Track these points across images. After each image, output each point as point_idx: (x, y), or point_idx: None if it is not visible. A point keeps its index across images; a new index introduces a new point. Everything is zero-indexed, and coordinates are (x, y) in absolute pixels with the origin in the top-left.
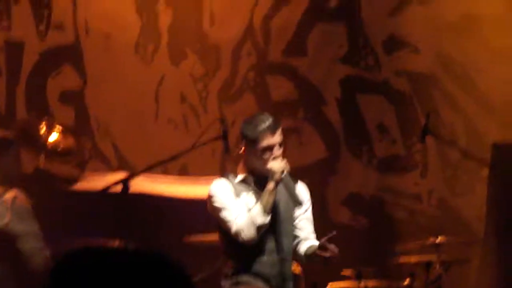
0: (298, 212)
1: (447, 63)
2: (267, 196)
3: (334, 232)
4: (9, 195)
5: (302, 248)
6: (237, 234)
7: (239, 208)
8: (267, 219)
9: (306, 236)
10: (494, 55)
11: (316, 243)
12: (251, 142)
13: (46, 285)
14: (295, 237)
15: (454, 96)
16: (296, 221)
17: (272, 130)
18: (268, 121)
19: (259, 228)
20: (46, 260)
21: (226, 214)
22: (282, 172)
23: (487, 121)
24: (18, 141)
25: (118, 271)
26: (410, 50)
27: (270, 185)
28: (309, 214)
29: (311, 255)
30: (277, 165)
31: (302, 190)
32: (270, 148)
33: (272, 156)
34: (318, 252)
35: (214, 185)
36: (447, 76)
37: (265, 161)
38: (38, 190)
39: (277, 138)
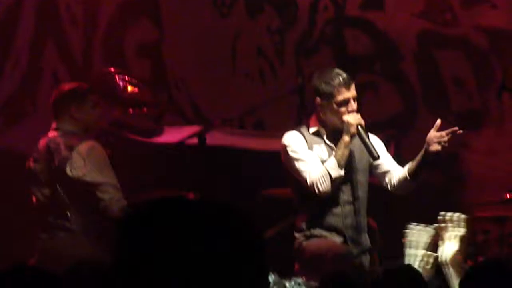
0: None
1: None
2: (342, 149)
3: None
4: (85, 145)
5: (401, 172)
6: (312, 186)
7: (314, 160)
8: (341, 172)
9: (395, 167)
10: None
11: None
12: (326, 96)
13: (120, 235)
14: (385, 174)
15: None
16: (378, 166)
17: (347, 84)
18: (342, 75)
19: (334, 181)
20: (124, 210)
21: (300, 165)
22: (358, 125)
23: None
24: (95, 92)
25: (188, 222)
26: (488, 5)
27: (346, 138)
28: (388, 156)
29: (417, 164)
30: (353, 118)
31: (375, 141)
32: (346, 102)
33: (348, 110)
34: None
35: (287, 136)
36: None
37: (341, 115)
38: (114, 142)
39: (352, 92)
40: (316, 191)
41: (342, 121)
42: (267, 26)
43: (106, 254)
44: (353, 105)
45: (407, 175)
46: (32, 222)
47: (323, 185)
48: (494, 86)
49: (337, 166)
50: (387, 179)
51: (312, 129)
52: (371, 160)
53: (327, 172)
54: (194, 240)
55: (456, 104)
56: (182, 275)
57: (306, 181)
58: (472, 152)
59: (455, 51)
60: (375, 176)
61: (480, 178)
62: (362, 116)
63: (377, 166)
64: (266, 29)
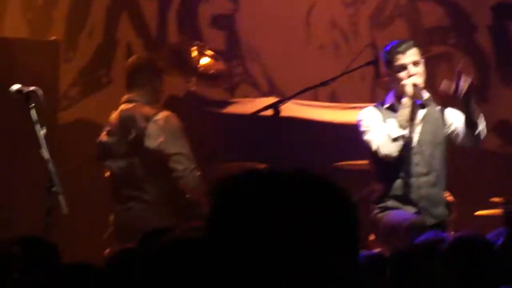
0: (452, 127)
1: None
2: (402, 110)
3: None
4: (162, 115)
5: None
6: (377, 151)
7: (381, 128)
8: (403, 131)
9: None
10: None
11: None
12: (388, 65)
13: (213, 207)
14: (458, 133)
15: None
16: (453, 131)
17: (403, 50)
18: (400, 43)
19: (396, 141)
20: (197, 180)
21: (369, 135)
22: (415, 86)
23: None
24: (168, 65)
25: (286, 194)
26: None
27: (404, 100)
28: (460, 118)
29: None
30: (409, 80)
31: (450, 112)
32: (403, 67)
33: (408, 75)
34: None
35: (362, 112)
36: None
37: (400, 80)
38: (189, 113)
39: (409, 57)
40: (380, 155)
41: (402, 86)
42: None
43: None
44: (412, 69)
45: (465, 127)
46: (106, 195)
47: (386, 148)
48: None
49: (397, 126)
50: (460, 136)
51: (387, 103)
52: (448, 130)
53: (388, 134)
54: (291, 215)
55: None
56: (278, 250)
57: (373, 148)
58: None
59: None
60: (458, 142)
61: None
62: (436, 87)
63: (453, 132)
64: (340, 1)
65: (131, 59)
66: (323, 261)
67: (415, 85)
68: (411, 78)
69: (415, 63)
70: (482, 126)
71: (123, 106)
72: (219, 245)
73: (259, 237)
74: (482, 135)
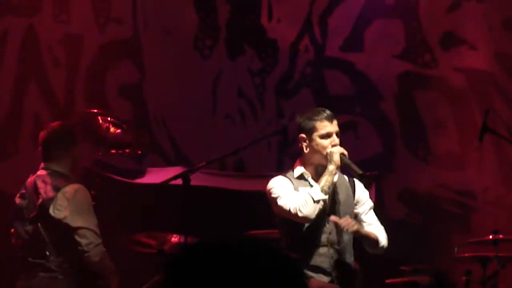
0: (359, 209)
1: (504, 60)
2: (326, 176)
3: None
4: (71, 187)
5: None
6: (295, 211)
7: (295, 193)
8: (324, 196)
9: (371, 228)
10: None
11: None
12: (309, 131)
13: (164, 281)
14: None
15: (511, 93)
16: (361, 217)
17: (330, 118)
18: (325, 111)
19: (317, 203)
20: (102, 255)
21: (282, 200)
22: (341, 154)
23: None
24: (78, 131)
25: (236, 264)
26: (467, 47)
27: (330, 167)
28: (370, 214)
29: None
30: (336, 149)
31: (359, 188)
32: (328, 135)
33: (332, 143)
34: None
35: (272, 181)
36: (504, 73)
37: (324, 148)
38: (97, 183)
39: (335, 127)
40: (300, 214)
41: (326, 154)
42: (247, 67)
43: None
44: (336, 139)
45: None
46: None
47: (306, 208)
48: (474, 127)
49: (319, 190)
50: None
51: (297, 173)
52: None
53: (309, 196)
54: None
55: (435, 145)
56: None
57: (290, 211)
58: (451, 193)
59: (434, 92)
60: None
61: (459, 219)
62: None
63: (358, 219)
64: (247, 70)
65: (46, 128)
66: None
67: (343, 154)
68: (337, 147)
69: (338, 134)
70: (384, 240)
71: (39, 172)
72: None
73: None
74: (385, 246)
